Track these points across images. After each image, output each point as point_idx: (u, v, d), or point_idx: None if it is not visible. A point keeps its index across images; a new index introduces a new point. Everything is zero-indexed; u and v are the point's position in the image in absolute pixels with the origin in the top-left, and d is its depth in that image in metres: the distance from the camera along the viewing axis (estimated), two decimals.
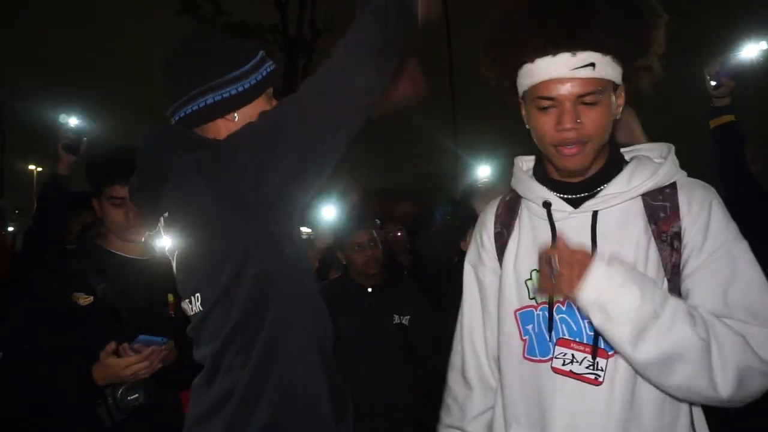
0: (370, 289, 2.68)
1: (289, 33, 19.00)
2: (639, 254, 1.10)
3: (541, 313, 1.18)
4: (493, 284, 1.30)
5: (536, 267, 1.16)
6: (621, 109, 1.17)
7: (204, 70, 1.19)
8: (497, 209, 1.35)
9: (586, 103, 1.09)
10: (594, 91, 1.08)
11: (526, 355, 1.19)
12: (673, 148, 1.19)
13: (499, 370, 1.26)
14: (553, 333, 1.16)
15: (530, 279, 1.21)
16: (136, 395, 1.65)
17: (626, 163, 1.21)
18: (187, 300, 1.18)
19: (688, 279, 1.08)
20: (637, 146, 1.27)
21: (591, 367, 1.10)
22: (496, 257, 1.30)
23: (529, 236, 1.24)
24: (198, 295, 1.14)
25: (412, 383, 2.60)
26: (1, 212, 4.35)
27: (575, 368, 1.12)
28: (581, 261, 1.01)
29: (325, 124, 1.05)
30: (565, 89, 1.08)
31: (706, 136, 2.37)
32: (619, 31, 1.07)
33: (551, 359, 1.15)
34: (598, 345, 1.10)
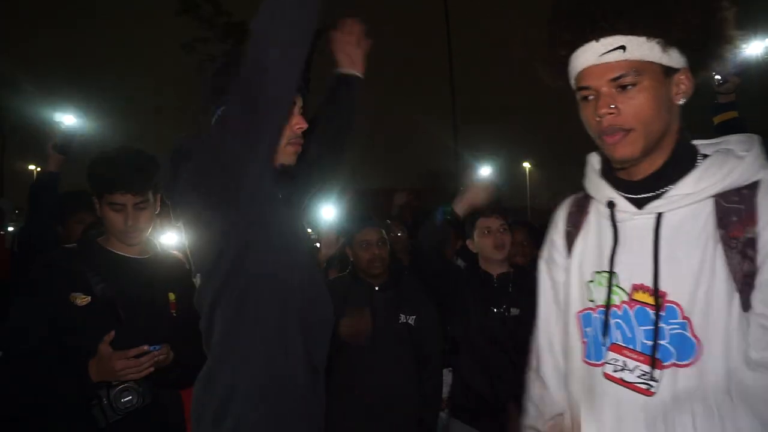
0: (377, 288, 2.68)
1: None
2: (705, 262, 1.01)
3: (598, 316, 1.14)
4: (564, 283, 1.27)
5: (598, 268, 1.15)
6: (686, 95, 1.08)
7: (226, 84, 1.30)
8: (569, 207, 1.31)
9: (623, 87, 1.04)
10: (626, 74, 1.03)
11: (585, 358, 1.17)
12: (757, 140, 1.07)
13: (567, 368, 1.24)
14: (608, 338, 1.12)
15: (592, 281, 1.17)
16: (130, 398, 1.65)
17: (702, 158, 1.10)
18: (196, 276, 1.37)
19: (759, 289, 0.98)
20: (726, 138, 1.13)
21: (643, 377, 1.05)
22: (567, 256, 1.26)
23: (594, 236, 1.19)
24: (198, 274, 1.33)
25: (415, 382, 2.60)
26: (1, 212, 4.34)
27: (626, 376, 1.07)
28: None
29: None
30: (597, 74, 1.06)
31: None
32: (645, 10, 1.02)
33: (603, 364, 1.11)
34: (656, 356, 1.04)
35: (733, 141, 1.11)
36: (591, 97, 1.08)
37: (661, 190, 1.08)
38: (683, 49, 1.05)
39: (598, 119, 1.07)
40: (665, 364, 1.04)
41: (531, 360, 1.37)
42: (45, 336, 1.69)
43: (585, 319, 1.18)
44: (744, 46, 2.01)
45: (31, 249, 2.44)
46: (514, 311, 2.50)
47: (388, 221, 3.74)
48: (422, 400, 2.59)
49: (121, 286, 1.79)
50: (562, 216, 1.31)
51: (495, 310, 2.51)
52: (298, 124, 1.38)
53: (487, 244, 2.57)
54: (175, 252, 2.14)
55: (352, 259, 2.76)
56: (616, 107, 1.04)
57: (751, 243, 0.98)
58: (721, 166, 1.04)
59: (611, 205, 1.14)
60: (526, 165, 33.17)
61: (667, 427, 1.02)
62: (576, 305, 1.20)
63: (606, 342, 1.12)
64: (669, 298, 1.04)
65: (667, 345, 1.04)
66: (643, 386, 1.04)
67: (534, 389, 1.33)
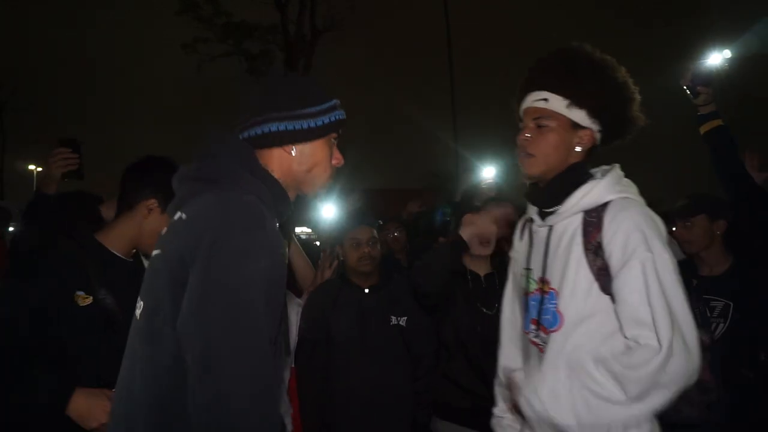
0: (366, 290, 2.67)
1: (289, 33, 19.02)
2: (572, 260, 1.44)
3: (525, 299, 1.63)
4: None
5: (524, 266, 1.62)
6: (584, 146, 1.51)
7: (279, 100, 1.28)
8: (523, 219, 1.75)
9: (539, 126, 1.50)
10: (542, 117, 1.49)
11: (524, 329, 1.61)
12: (613, 170, 1.50)
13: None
14: (528, 314, 1.58)
15: (522, 274, 1.65)
16: None
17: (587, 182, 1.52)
18: (138, 302, 1.24)
19: (613, 282, 1.39)
20: (603, 167, 1.56)
21: (539, 339, 1.52)
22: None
23: (526, 241, 1.68)
24: (142, 304, 1.21)
25: (408, 383, 2.59)
26: (6, 213, 4.31)
27: (536, 340, 1.54)
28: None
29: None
30: (527, 113, 1.55)
31: None
32: (567, 77, 1.48)
33: (528, 333, 1.58)
34: (540, 323, 1.51)
35: (601, 169, 1.54)
36: (521, 126, 1.55)
37: (556, 207, 1.51)
38: (591, 114, 1.49)
39: (519, 143, 1.53)
40: (549, 330, 1.48)
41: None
42: (35, 331, 1.65)
43: (522, 301, 1.64)
44: (705, 58, 2.32)
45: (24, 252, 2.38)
46: None
47: (380, 222, 3.73)
48: (415, 399, 2.59)
49: (123, 290, 1.76)
50: (519, 225, 1.76)
51: (486, 311, 2.49)
52: (338, 159, 1.37)
53: (474, 240, 2.54)
54: None
55: (342, 258, 2.75)
56: (531, 137, 1.51)
57: (600, 245, 1.40)
58: (585, 190, 1.46)
59: (530, 220, 1.62)
60: None
61: (547, 374, 1.43)
62: (519, 291, 1.67)
63: (527, 316, 1.58)
64: (551, 285, 1.49)
65: (550, 318, 1.49)
66: (542, 345, 1.51)
67: (499, 358, 1.79)
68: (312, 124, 1.27)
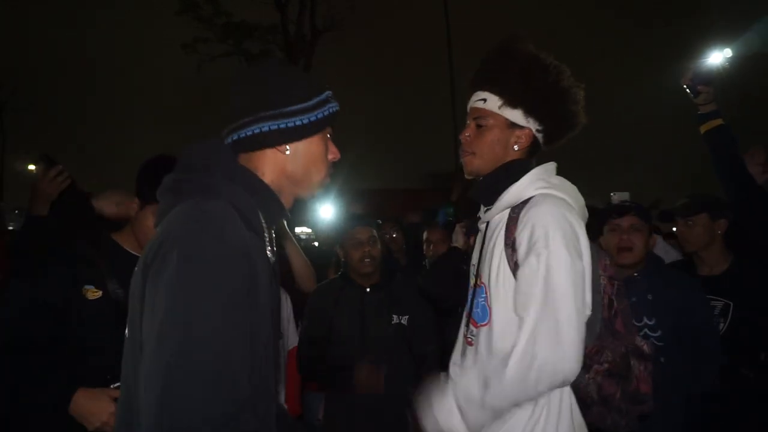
0: (368, 289, 2.67)
1: (289, 33, 19.01)
2: (496, 255, 1.48)
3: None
4: None
5: (473, 261, 1.66)
6: (521, 146, 1.54)
7: (268, 97, 1.18)
8: None
9: (479, 126, 1.56)
10: (481, 117, 1.55)
11: (463, 324, 1.65)
12: (531, 170, 1.51)
13: None
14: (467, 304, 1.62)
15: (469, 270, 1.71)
16: None
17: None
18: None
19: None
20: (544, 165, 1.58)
21: (469, 332, 1.56)
22: None
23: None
24: (130, 316, 1.12)
25: (412, 382, 2.58)
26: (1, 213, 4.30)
27: (465, 332, 1.59)
28: None
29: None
30: (470, 113, 1.61)
31: None
32: (501, 77, 1.53)
33: (461, 327, 1.63)
34: (471, 317, 1.56)
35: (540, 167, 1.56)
36: (466, 125, 1.61)
37: (492, 205, 1.54)
38: (527, 113, 1.52)
39: (461, 141, 1.60)
40: (480, 324, 1.51)
41: None
42: (45, 328, 1.66)
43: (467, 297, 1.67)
44: (706, 57, 2.31)
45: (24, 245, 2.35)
46: None
47: (379, 221, 3.73)
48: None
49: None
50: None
51: None
52: (334, 153, 1.28)
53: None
54: None
55: (343, 259, 2.75)
56: (470, 136, 1.58)
57: (514, 241, 1.43)
58: (510, 188, 1.49)
59: (478, 218, 1.66)
60: None
61: (474, 368, 1.44)
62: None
63: (467, 308, 1.61)
64: (482, 280, 1.53)
65: (479, 311, 1.53)
66: (471, 338, 1.55)
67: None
68: (305, 121, 1.18)
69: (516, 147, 1.55)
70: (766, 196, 2.40)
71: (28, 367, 1.65)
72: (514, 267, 1.42)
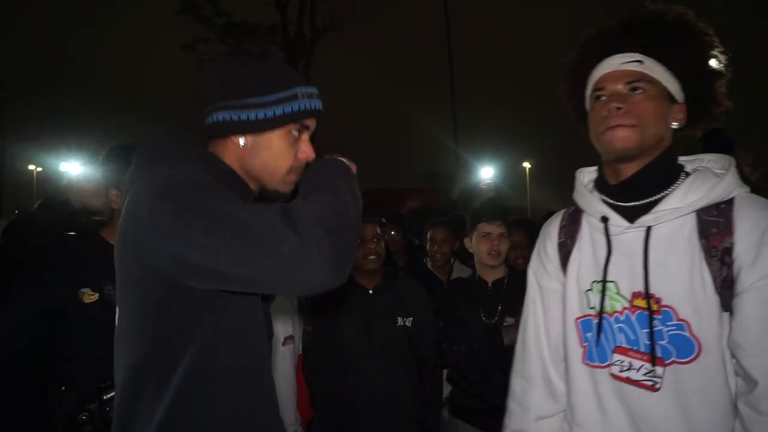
0: (371, 291, 2.62)
1: (289, 33, 19.01)
2: (693, 269, 1.15)
3: (598, 321, 1.27)
4: (557, 291, 1.38)
5: (596, 278, 1.27)
6: (680, 123, 1.26)
7: (227, 88, 1.18)
8: (562, 220, 1.43)
9: (634, 90, 1.22)
10: (640, 80, 1.22)
11: (585, 361, 1.28)
12: (734, 161, 1.24)
13: (566, 374, 1.35)
14: (601, 338, 1.25)
15: (590, 289, 1.29)
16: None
17: (686, 174, 1.25)
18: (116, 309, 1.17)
19: (738, 296, 1.12)
20: (700, 156, 1.30)
21: (649, 374, 1.17)
22: (560, 266, 1.38)
23: (589, 248, 1.31)
24: (117, 309, 1.13)
25: (416, 384, 2.57)
26: None
27: (632, 375, 1.19)
28: None
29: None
30: (615, 77, 1.24)
31: None
32: (664, 39, 1.24)
33: (609, 365, 1.23)
34: (655, 354, 1.17)
35: (707, 159, 1.29)
36: (603, 98, 1.25)
37: (648, 199, 1.22)
38: (685, 87, 1.25)
39: (606, 113, 1.22)
40: (666, 362, 1.16)
41: (516, 363, 1.47)
42: (42, 333, 1.65)
43: (585, 324, 1.29)
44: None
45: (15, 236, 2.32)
46: (509, 320, 2.46)
47: (383, 219, 3.72)
48: (423, 400, 2.58)
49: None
50: (555, 228, 1.42)
51: (488, 320, 2.48)
52: (305, 153, 1.22)
53: (483, 249, 2.55)
54: None
55: None
56: (624, 104, 1.20)
57: (728, 251, 1.13)
58: (704, 183, 1.18)
59: (605, 219, 1.27)
60: (526, 165, 33.20)
61: (676, 420, 1.15)
62: (575, 312, 1.32)
63: (604, 344, 1.25)
64: (664, 303, 1.17)
65: (667, 345, 1.16)
66: (649, 383, 1.17)
67: (520, 391, 1.44)
68: (261, 115, 1.16)
69: (675, 124, 1.25)
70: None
71: (26, 375, 1.64)
72: (722, 285, 1.12)
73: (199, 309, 1.05)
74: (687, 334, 1.14)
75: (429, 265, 3.47)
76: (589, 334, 1.28)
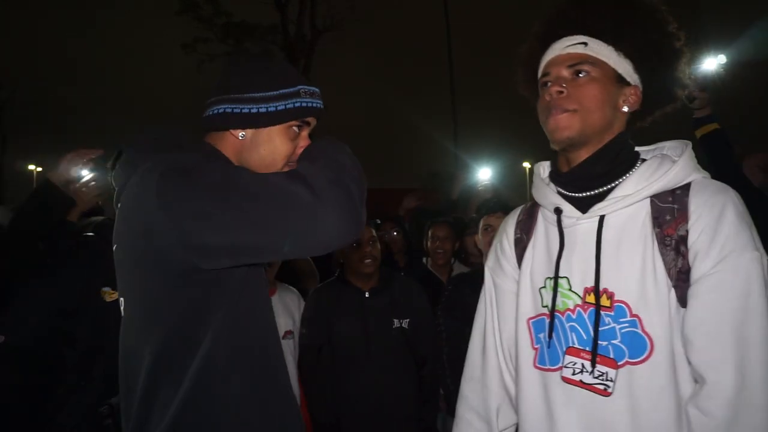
0: (367, 293, 2.61)
1: (289, 33, 19.01)
2: (645, 260, 1.07)
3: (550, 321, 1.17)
4: (512, 291, 1.29)
5: (549, 274, 1.19)
6: (631, 107, 1.18)
7: (230, 82, 1.21)
8: (519, 215, 1.36)
9: (577, 73, 1.16)
10: (582, 62, 1.16)
11: (536, 364, 1.18)
12: (689, 145, 1.17)
13: (516, 378, 1.25)
14: (553, 339, 1.15)
15: (544, 287, 1.20)
16: None
17: (641, 162, 1.18)
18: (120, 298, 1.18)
19: (694, 285, 1.02)
20: (661, 144, 1.23)
21: (601, 377, 1.08)
22: (516, 264, 1.31)
23: (543, 243, 1.24)
24: (122, 300, 1.15)
25: (415, 385, 2.58)
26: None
27: (585, 378, 1.10)
28: None
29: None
30: (558, 61, 1.19)
31: None
32: (609, 19, 1.17)
33: (561, 368, 1.13)
34: (597, 351, 1.09)
35: (667, 146, 1.21)
36: (549, 83, 1.19)
37: (603, 188, 1.15)
38: (638, 66, 1.18)
39: (548, 97, 1.17)
40: (620, 363, 1.06)
41: (469, 369, 1.37)
42: (53, 325, 1.67)
43: (537, 325, 1.21)
44: (700, 63, 2.29)
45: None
46: None
47: (378, 221, 3.71)
48: (422, 399, 2.58)
49: None
50: (512, 224, 1.36)
51: None
52: (304, 147, 1.23)
53: (486, 242, 2.52)
54: None
55: (341, 260, 2.69)
56: (565, 88, 1.15)
57: (683, 240, 1.04)
58: (657, 169, 1.11)
59: (558, 211, 1.20)
60: (526, 165, 33.18)
61: (629, 426, 1.04)
62: (528, 312, 1.23)
63: (554, 344, 1.15)
64: (617, 297, 1.08)
65: (620, 344, 1.07)
66: (601, 387, 1.07)
67: (477, 400, 1.33)
68: (262, 109, 1.18)
69: (625, 108, 1.17)
70: (763, 198, 2.43)
71: (44, 373, 1.67)
72: (678, 276, 1.04)
73: (213, 294, 1.07)
74: (639, 330, 1.05)
75: (429, 265, 3.47)
76: (541, 335, 1.19)
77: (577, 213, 1.17)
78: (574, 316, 1.14)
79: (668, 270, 1.05)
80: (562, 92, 1.15)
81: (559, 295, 1.16)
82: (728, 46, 2.47)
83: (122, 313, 1.15)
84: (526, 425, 1.18)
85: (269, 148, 1.21)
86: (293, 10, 18.99)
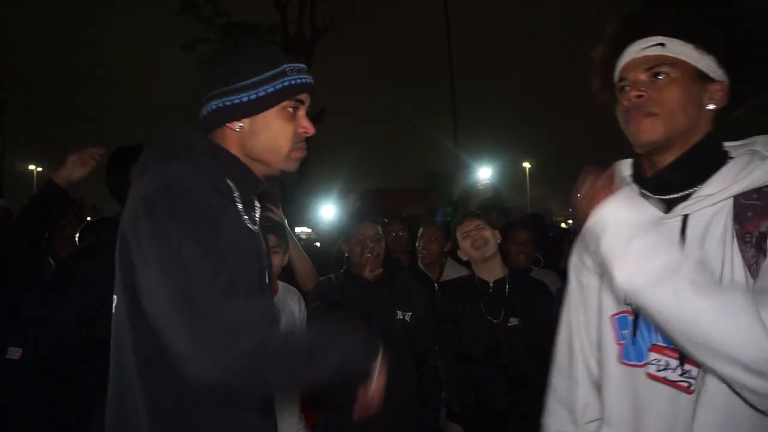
0: (371, 285, 2.62)
1: (289, 33, 19.02)
2: (725, 259, 1.06)
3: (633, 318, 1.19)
4: (595, 286, 1.29)
5: None
6: (718, 104, 1.15)
7: (217, 77, 1.20)
8: None
9: (656, 75, 1.14)
10: (660, 64, 1.13)
11: (621, 360, 1.20)
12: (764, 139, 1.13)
13: (600, 372, 1.28)
14: (637, 336, 1.17)
15: None
16: None
17: (730, 159, 1.14)
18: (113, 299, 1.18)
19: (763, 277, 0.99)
20: (753, 138, 1.17)
21: (684, 375, 1.09)
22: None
23: None
24: (114, 297, 1.15)
25: (415, 380, 2.58)
26: (10, 213, 4.30)
27: (669, 375, 1.12)
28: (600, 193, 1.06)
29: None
30: (635, 65, 1.17)
31: None
32: (684, 16, 1.14)
33: (646, 365, 1.15)
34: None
35: (760, 141, 1.14)
36: (627, 87, 1.17)
37: (689, 190, 1.13)
38: (722, 62, 1.14)
39: (627, 102, 1.15)
40: None
41: (558, 361, 1.40)
42: (71, 334, 1.68)
43: (621, 321, 1.22)
44: None
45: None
46: (513, 321, 2.46)
47: (385, 220, 3.74)
48: (423, 398, 2.58)
49: None
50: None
51: (493, 320, 2.48)
52: (304, 128, 1.23)
53: (467, 246, 2.56)
54: None
55: (347, 255, 2.74)
56: (645, 92, 1.13)
57: (764, 237, 1.00)
58: (744, 167, 1.08)
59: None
60: (526, 165, 33.21)
61: (710, 425, 1.05)
62: (610, 309, 1.24)
63: (638, 341, 1.17)
64: None
65: None
66: (685, 384, 1.09)
67: (564, 391, 1.36)
68: (252, 96, 1.17)
69: (711, 105, 1.14)
70: None
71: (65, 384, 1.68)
72: (756, 268, 1.01)
73: None
74: None
75: (420, 264, 3.51)
76: (625, 332, 1.20)
77: (660, 213, 1.15)
78: None
79: (748, 266, 1.02)
80: (641, 96, 1.13)
81: None
82: None
83: (113, 311, 1.15)
84: (612, 418, 1.21)
85: (269, 133, 1.19)
86: (293, 10, 19.02)
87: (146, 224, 1.03)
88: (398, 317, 2.59)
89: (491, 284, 2.55)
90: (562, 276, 3.05)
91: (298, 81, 1.20)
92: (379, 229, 2.73)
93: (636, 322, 1.18)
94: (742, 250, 1.03)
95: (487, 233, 2.53)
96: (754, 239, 1.02)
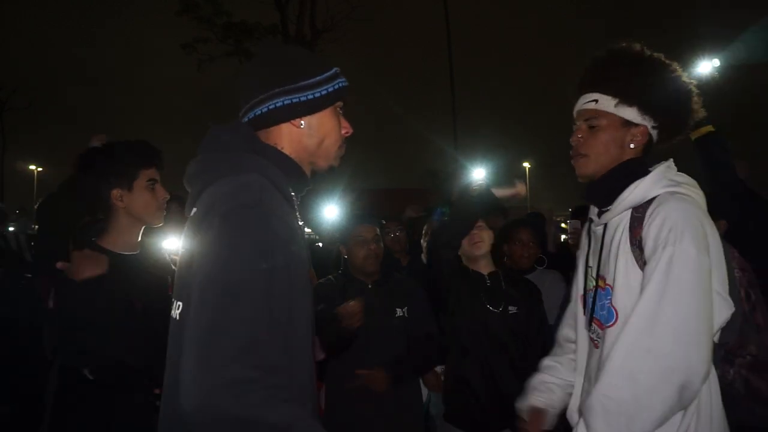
0: (370, 286, 2.68)
1: (289, 33, 19.03)
2: (622, 255, 1.44)
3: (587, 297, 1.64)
4: (579, 272, 1.72)
5: (590, 264, 1.61)
6: (636, 144, 1.49)
7: (278, 75, 1.24)
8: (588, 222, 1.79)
9: (591, 126, 1.51)
10: (592, 117, 1.51)
11: (585, 327, 1.60)
12: (663, 163, 1.49)
13: (576, 333, 1.70)
14: (587, 311, 1.58)
15: (587, 273, 1.65)
16: None
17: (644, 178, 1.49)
18: (174, 303, 1.20)
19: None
20: (670, 161, 1.53)
21: (594, 334, 1.53)
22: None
23: (586, 242, 1.69)
24: (179, 303, 1.16)
25: (416, 381, 2.63)
26: (3, 214, 4.30)
27: (594, 336, 1.55)
28: None
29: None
30: (578, 116, 1.56)
31: None
32: (617, 76, 1.49)
33: (589, 330, 1.58)
34: (594, 316, 1.54)
35: (664, 162, 1.51)
36: (575, 129, 1.56)
37: (611, 205, 1.50)
38: (642, 110, 1.47)
39: (572, 142, 1.56)
40: (605, 325, 1.48)
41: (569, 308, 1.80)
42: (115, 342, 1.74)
43: (586, 298, 1.62)
44: (695, 66, 2.40)
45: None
46: (512, 309, 2.54)
47: (383, 221, 3.76)
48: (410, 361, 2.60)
49: (142, 291, 1.83)
50: (586, 226, 1.77)
51: (493, 309, 2.54)
52: (346, 129, 1.32)
53: (465, 243, 2.63)
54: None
55: (345, 257, 2.75)
56: (581, 138, 1.53)
57: (642, 241, 1.39)
58: (632, 187, 1.45)
59: (590, 220, 1.64)
60: (526, 165, 33.25)
61: (599, 372, 1.42)
62: (580, 290, 1.67)
63: (587, 314, 1.59)
64: (607, 281, 1.50)
65: (605, 313, 1.49)
66: (597, 341, 1.52)
67: (562, 330, 1.81)
68: (317, 94, 1.23)
69: (632, 145, 1.49)
70: (757, 198, 2.46)
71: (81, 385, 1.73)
72: (643, 266, 1.37)
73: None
74: (610, 305, 1.47)
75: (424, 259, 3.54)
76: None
77: (597, 221, 1.58)
78: (593, 294, 1.57)
79: (637, 262, 1.41)
80: (578, 141, 1.53)
81: (589, 279, 1.60)
82: (723, 50, 2.49)
83: (175, 317, 1.17)
84: (579, 367, 1.63)
85: (325, 131, 1.27)
86: (293, 10, 19.04)
87: (217, 241, 1.05)
88: (398, 315, 2.63)
89: (487, 276, 2.61)
90: (565, 276, 3.08)
91: (346, 83, 1.29)
92: (378, 230, 2.75)
93: (585, 299, 1.60)
94: (633, 252, 1.42)
95: (486, 234, 2.65)
96: (638, 242, 1.40)
